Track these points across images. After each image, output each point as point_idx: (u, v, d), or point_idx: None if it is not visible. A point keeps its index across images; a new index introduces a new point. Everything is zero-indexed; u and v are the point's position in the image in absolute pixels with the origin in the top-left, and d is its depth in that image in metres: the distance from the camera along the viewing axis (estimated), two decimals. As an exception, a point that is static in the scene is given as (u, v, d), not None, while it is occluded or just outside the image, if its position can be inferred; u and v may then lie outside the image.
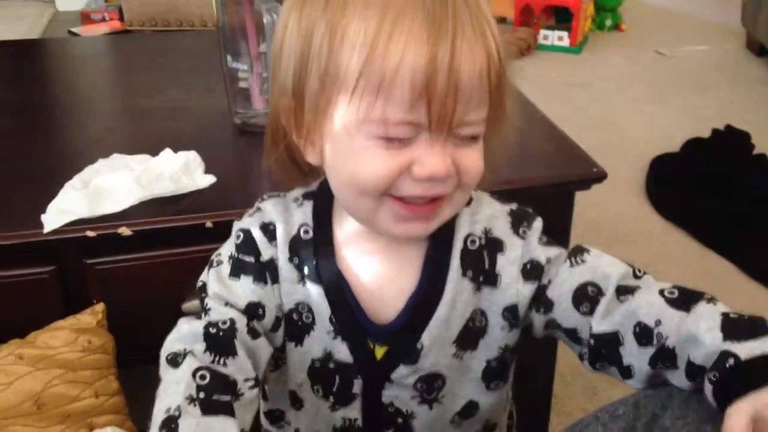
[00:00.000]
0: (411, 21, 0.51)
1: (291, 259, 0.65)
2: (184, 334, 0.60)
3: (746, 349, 0.52)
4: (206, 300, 0.64)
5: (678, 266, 1.70)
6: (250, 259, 0.64)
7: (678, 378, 0.57)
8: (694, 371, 0.55)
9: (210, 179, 0.92)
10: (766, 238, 1.77)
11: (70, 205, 0.86)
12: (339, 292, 0.64)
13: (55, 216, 0.84)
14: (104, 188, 0.88)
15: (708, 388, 0.53)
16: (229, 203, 0.88)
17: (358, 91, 0.53)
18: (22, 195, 0.91)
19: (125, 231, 0.84)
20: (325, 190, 0.65)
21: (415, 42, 0.51)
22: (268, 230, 0.65)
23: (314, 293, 0.65)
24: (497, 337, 0.67)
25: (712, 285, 1.70)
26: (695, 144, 2.18)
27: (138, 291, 0.91)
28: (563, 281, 0.64)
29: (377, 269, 0.65)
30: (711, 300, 0.58)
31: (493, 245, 0.65)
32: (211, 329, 0.60)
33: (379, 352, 0.66)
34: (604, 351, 0.62)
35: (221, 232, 0.85)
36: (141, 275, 0.90)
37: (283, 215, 0.65)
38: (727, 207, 1.86)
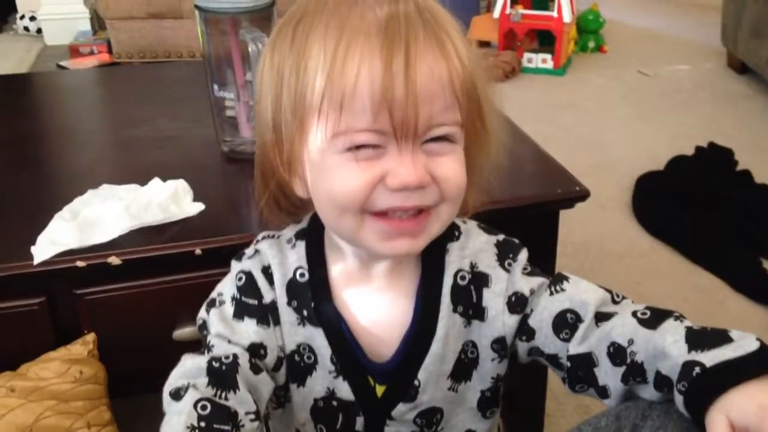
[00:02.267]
0: (365, 38, 0.54)
1: (290, 303, 0.66)
2: (188, 369, 0.61)
3: (710, 358, 0.53)
4: (209, 337, 0.64)
5: (666, 282, 1.72)
6: (253, 301, 0.65)
7: (648, 391, 0.59)
8: (662, 382, 0.56)
9: (199, 207, 0.93)
10: (751, 253, 1.79)
11: (59, 236, 0.86)
12: (338, 332, 0.65)
13: (45, 247, 0.85)
14: (94, 218, 0.89)
15: (679, 399, 0.54)
16: (217, 230, 0.89)
17: (323, 111, 0.55)
18: (11, 227, 0.92)
19: (115, 260, 0.85)
20: (315, 227, 0.67)
21: (369, 56, 0.54)
22: (268, 273, 0.66)
23: (315, 335, 0.65)
24: (488, 368, 0.68)
25: (700, 300, 1.72)
26: (679, 162, 2.21)
27: (129, 320, 0.91)
28: (543, 309, 0.65)
29: (373, 308, 0.66)
30: (678, 318, 0.60)
31: (479, 280, 0.66)
32: (214, 363, 0.60)
33: (379, 390, 0.67)
34: (580, 373, 0.63)
35: (210, 260, 0.87)
36: (131, 304, 0.90)
37: (279, 258, 0.66)
38: (713, 223, 1.88)
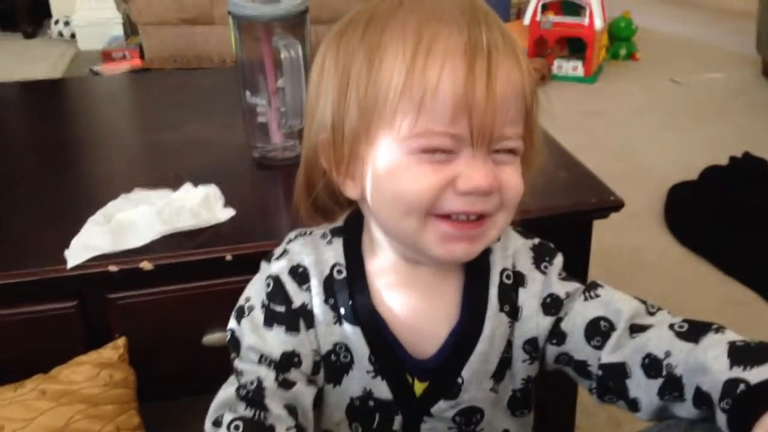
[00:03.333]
0: (447, 38, 0.54)
1: (327, 300, 0.65)
2: (222, 401, 0.62)
3: (755, 375, 0.52)
4: (236, 362, 0.64)
5: (697, 294, 1.69)
6: (281, 308, 0.65)
7: (685, 409, 0.57)
8: (701, 399, 0.55)
9: (230, 213, 0.93)
10: (788, 265, 1.75)
11: (92, 240, 0.87)
12: (377, 331, 0.64)
13: (78, 251, 0.85)
14: (126, 223, 0.90)
15: (722, 417, 0.53)
16: (248, 236, 0.89)
17: (400, 110, 0.55)
18: (45, 231, 0.92)
19: (147, 265, 0.85)
20: (352, 225, 0.66)
21: (452, 57, 0.54)
22: (298, 273, 0.65)
23: (352, 333, 0.65)
24: (519, 368, 0.68)
25: (732, 312, 1.69)
26: (713, 172, 2.17)
27: (159, 325, 0.92)
28: (577, 314, 0.64)
29: (414, 305, 0.65)
30: (719, 330, 0.58)
31: (517, 279, 0.66)
32: (241, 392, 0.61)
33: (419, 387, 0.66)
34: (611, 383, 0.62)
35: (241, 266, 0.87)
36: (162, 309, 0.90)
37: (314, 255, 0.65)
38: (746, 234, 1.85)
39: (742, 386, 0.51)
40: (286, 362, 0.63)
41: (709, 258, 1.82)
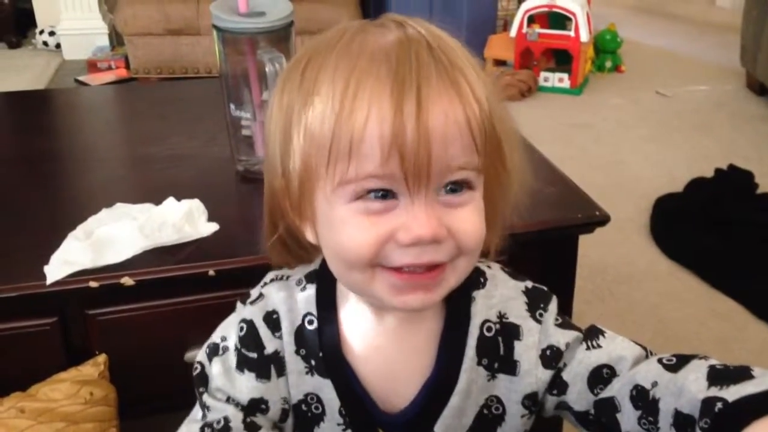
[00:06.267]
0: (375, 78, 0.51)
1: (297, 351, 0.63)
2: None
3: (732, 393, 0.51)
4: (204, 397, 0.63)
5: (684, 306, 1.69)
6: (253, 354, 0.63)
7: None
8: (682, 421, 0.54)
9: (213, 227, 0.92)
10: (773, 278, 1.76)
11: (73, 255, 0.86)
12: (348, 384, 0.62)
13: (58, 267, 0.84)
14: (107, 238, 0.88)
15: None
16: (231, 251, 0.88)
17: (332, 156, 0.52)
18: (25, 246, 0.91)
19: (128, 281, 0.84)
20: (327, 269, 0.63)
21: (379, 97, 0.51)
22: (272, 320, 0.63)
23: (323, 385, 0.63)
24: (516, 424, 0.65)
25: (718, 325, 1.69)
26: (698, 184, 2.19)
27: (141, 341, 0.90)
28: (579, 363, 0.62)
29: (387, 356, 0.63)
30: (702, 357, 0.57)
31: (509, 331, 0.63)
32: (206, 430, 0.59)
33: None
34: (603, 419, 0.61)
35: (224, 281, 0.86)
36: (144, 325, 0.89)
37: (287, 303, 0.63)
38: (732, 247, 1.86)
39: (719, 404, 0.51)
40: (254, 408, 0.62)
41: (695, 270, 1.83)
